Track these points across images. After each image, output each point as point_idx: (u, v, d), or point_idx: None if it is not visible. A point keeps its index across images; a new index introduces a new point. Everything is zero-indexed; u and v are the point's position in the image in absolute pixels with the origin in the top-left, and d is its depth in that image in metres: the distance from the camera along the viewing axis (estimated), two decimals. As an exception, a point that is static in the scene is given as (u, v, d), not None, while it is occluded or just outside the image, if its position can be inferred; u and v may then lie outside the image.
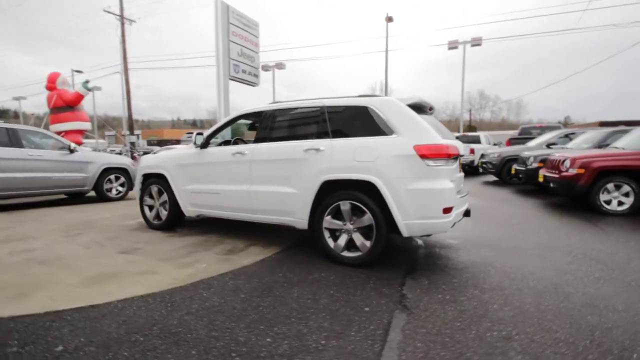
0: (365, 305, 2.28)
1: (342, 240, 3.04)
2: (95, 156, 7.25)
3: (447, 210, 2.77)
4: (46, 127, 12.55)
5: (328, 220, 3.08)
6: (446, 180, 2.81)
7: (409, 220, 2.78)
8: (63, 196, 7.45)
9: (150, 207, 4.51)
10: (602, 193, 5.28)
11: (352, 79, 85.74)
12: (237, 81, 10.68)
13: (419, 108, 3.21)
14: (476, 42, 20.87)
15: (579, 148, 7.26)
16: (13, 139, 5.92)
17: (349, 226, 3.01)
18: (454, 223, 2.93)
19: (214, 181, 3.80)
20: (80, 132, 14.42)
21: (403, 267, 3.04)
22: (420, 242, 3.85)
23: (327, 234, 3.11)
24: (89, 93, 14.89)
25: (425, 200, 2.75)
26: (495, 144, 15.04)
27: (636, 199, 5.11)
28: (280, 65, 27.02)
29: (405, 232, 2.81)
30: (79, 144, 12.41)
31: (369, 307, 2.25)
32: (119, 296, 2.41)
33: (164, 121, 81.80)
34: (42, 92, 14.58)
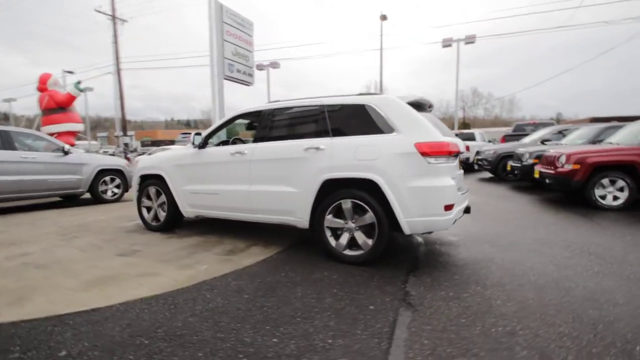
0: (370, 303, 2.28)
1: (344, 238, 3.04)
2: (90, 158, 7.16)
3: (448, 208, 2.79)
4: (38, 129, 12.38)
5: (329, 219, 3.08)
6: (447, 178, 2.82)
7: (410, 217, 2.78)
8: (57, 199, 7.35)
9: (148, 209, 4.47)
10: (597, 188, 5.35)
11: (347, 78, 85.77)
12: (231, 81, 10.62)
13: (419, 106, 3.22)
14: (470, 40, 21.00)
15: (573, 144, 7.34)
16: (5, 142, 5.82)
17: (351, 225, 3.00)
18: (455, 220, 2.94)
19: (213, 181, 3.77)
20: (73, 133, 14.25)
21: (405, 264, 3.05)
22: (420, 239, 3.86)
23: (328, 233, 3.11)
24: (81, 94, 14.72)
25: (426, 197, 2.76)
26: (490, 141, 15.15)
27: (631, 194, 5.19)
28: (274, 65, 26.93)
29: (407, 230, 2.82)
30: (72, 145, 12.25)
31: (373, 305, 2.26)
32: (120, 299, 2.38)
33: (157, 121, 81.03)
34: (33, 94, 14.39)
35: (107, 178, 7.13)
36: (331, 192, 3.06)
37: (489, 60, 75.88)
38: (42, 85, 13.63)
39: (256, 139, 3.59)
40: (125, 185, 7.40)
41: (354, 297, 2.39)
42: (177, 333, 1.93)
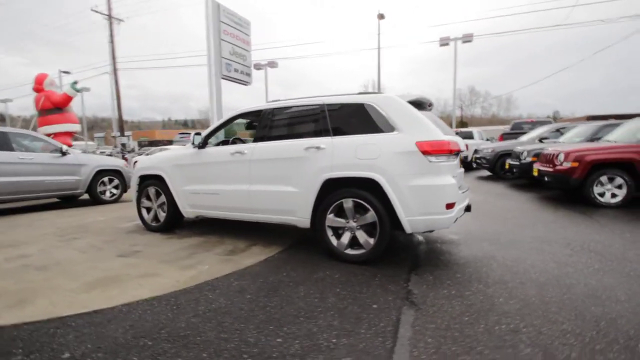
0: (373, 302, 2.28)
1: (346, 238, 3.04)
2: (88, 158, 7.12)
3: (449, 206, 2.79)
4: (34, 130, 12.29)
5: (331, 219, 3.07)
6: (448, 176, 2.82)
7: (412, 216, 2.79)
8: (55, 200, 7.31)
9: (148, 209, 4.45)
10: (596, 186, 5.38)
11: (345, 77, 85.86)
12: (229, 80, 10.59)
13: (419, 104, 3.22)
14: (467, 39, 21.02)
15: (571, 142, 7.38)
16: (3, 142, 5.78)
17: (352, 224, 3.00)
18: (456, 218, 2.95)
19: (214, 181, 3.76)
20: (70, 134, 14.18)
21: (406, 263, 3.05)
22: (421, 238, 3.87)
23: (330, 232, 3.10)
24: (78, 94, 14.64)
25: (428, 196, 2.76)
26: (488, 140, 15.20)
27: (629, 191, 5.22)
28: (272, 64, 26.86)
29: (408, 229, 2.82)
30: (69, 146, 12.19)
31: (376, 304, 2.26)
32: (122, 300, 2.37)
33: (154, 122, 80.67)
34: (29, 94, 14.29)
35: (106, 179, 7.09)
36: (332, 191, 3.06)
37: (487, 59, 76.19)
38: (39, 85, 13.55)
39: (256, 139, 3.58)
40: (124, 186, 7.37)
41: (357, 296, 2.39)
42: (180, 334, 1.92)
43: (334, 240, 3.09)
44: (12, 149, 5.85)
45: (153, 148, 19.80)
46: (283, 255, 3.34)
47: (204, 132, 3.94)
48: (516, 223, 4.51)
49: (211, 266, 3.06)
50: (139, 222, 4.61)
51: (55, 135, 12.61)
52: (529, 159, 7.39)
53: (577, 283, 2.53)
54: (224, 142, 4.42)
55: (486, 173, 10.83)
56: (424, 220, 2.79)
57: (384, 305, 2.23)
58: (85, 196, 7.02)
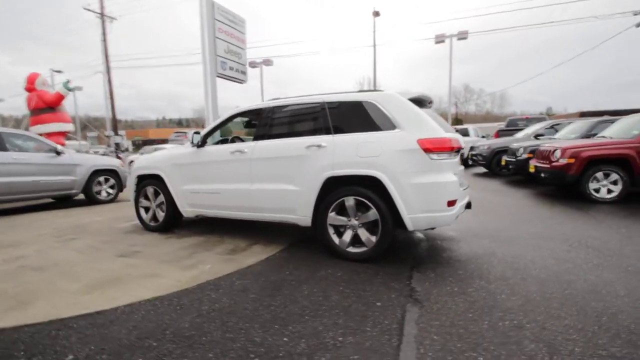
0: (377, 300, 2.29)
1: (347, 236, 3.04)
2: (83, 158, 7.03)
3: (451, 203, 2.80)
4: (26, 130, 12.11)
5: (332, 217, 3.07)
6: (450, 174, 2.83)
7: (414, 214, 2.79)
8: (50, 200, 7.22)
9: (146, 209, 4.41)
10: (592, 182, 5.44)
11: (340, 74, 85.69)
12: (224, 78, 10.51)
13: (420, 102, 3.22)
14: (462, 36, 21.10)
15: (567, 138, 7.45)
16: (-4, 143, 5.69)
17: (354, 222, 3.00)
18: (458, 216, 2.96)
19: (214, 180, 3.73)
20: (63, 133, 13.98)
21: (408, 260, 3.06)
22: (421, 235, 3.89)
23: (331, 230, 3.10)
24: (70, 93, 14.43)
25: (430, 193, 2.77)
26: (483, 137, 15.30)
27: (624, 187, 5.29)
28: (267, 62, 26.74)
29: (410, 226, 2.83)
30: (62, 145, 12.04)
31: (380, 302, 2.26)
32: (124, 301, 2.35)
33: (148, 121, 79.92)
34: (21, 94, 14.06)
35: (102, 178, 7.02)
36: (333, 189, 3.05)
37: (481, 56, 76.61)
38: (30, 85, 13.31)
39: (256, 137, 3.56)
40: (120, 186, 7.30)
41: (360, 294, 2.39)
42: (185, 334, 1.91)
43: (335, 239, 3.09)
44: (5, 149, 5.76)
45: (148, 147, 19.65)
46: (284, 254, 3.34)
47: (203, 131, 3.91)
48: (514, 219, 4.55)
49: (212, 266, 3.05)
50: (137, 222, 4.57)
51: (48, 134, 12.41)
52: (525, 156, 7.45)
53: (576, 279, 2.56)
54: (223, 141, 4.39)
55: (482, 170, 10.90)
56: (426, 217, 2.80)
57: (387, 303, 2.24)
58: (81, 196, 6.94)
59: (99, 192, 6.98)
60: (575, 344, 1.73)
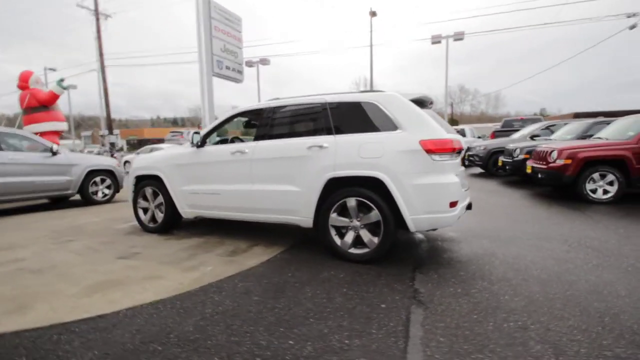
0: (381, 302, 2.29)
1: (349, 237, 3.04)
2: (79, 158, 6.95)
3: (453, 204, 2.81)
4: (19, 129, 11.94)
5: (334, 218, 3.07)
6: (452, 175, 2.84)
7: (416, 215, 2.80)
8: (45, 201, 7.13)
9: (145, 210, 4.37)
10: (588, 182, 5.49)
11: (336, 74, 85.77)
12: (221, 78, 10.44)
13: (421, 103, 3.23)
14: (459, 37, 21.20)
15: (563, 139, 7.51)
16: (-10, 142, 5.60)
17: (356, 223, 3.00)
18: (459, 216, 2.97)
19: (214, 181, 3.71)
20: (57, 133, 13.80)
21: (410, 261, 3.06)
22: (422, 236, 3.89)
23: (333, 232, 3.10)
24: (64, 92, 14.25)
25: (432, 194, 2.78)
26: (479, 137, 15.40)
27: (620, 188, 5.35)
28: (264, 61, 26.64)
29: (412, 228, 2.83)
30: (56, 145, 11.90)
31: (384, 303, 2.26)
32: (126, 304, 2.32)
33: (142, 120, 79.23)
34: (13, 92, 13.87)
35: (98, 179, 6.94)
36: (335, 190, 3.05)
37: (476, 57, 77.05)
38: (23, 83, 13.12)
39: (257, 138, 3.54)
40: (116, 186, 7.23)
41: (364, 295, 2.39)
42: (189, 338, 1.89)
43: (337, 240, 3.09)
44: (0, 149, 5.67)
45: (145, 147, 19.49)
46: (286, 256, 3.32)
47: (203, 131, 3.88)
48: (513, 220, 4.58)
49: (214, 267, 3.03)
50: (135, 223, 4.52)
51: (42, 134, 12.26)
52: (521, 156, 7.50)
53: (578, 279, 2.58)
54: (223, 141, 4.36)
55: (478, 170, 10.97)
56: (428, 218, 2.81)
57: (392, 305, 2.24)
58: (77, 197, 6.86)
59: (95, 193, 6.91)
60: (581, 345, 1.75)
